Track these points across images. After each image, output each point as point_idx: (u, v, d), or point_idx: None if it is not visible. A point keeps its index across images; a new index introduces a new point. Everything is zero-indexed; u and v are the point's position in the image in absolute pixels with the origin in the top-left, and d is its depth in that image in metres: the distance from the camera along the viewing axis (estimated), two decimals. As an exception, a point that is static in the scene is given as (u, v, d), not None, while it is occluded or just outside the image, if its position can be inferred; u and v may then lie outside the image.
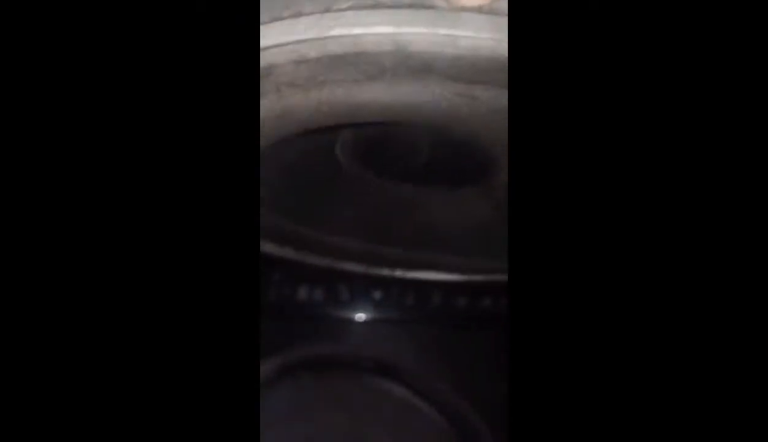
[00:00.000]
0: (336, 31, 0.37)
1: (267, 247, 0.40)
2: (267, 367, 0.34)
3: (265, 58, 0.41)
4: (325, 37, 0.38)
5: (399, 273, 0.41)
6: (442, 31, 0.36)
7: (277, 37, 0.40)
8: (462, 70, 0.39)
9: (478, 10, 0.34)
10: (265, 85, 0.40)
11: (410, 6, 0.35)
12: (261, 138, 0.27)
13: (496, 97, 0.39)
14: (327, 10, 0.37)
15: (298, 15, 0.36)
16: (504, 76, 0.36)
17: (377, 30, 0.37)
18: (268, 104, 0.39)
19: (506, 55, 0.33)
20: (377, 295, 0.41)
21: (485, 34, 0.35)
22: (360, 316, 0.41)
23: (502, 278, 0.39)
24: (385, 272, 0.41)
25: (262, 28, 0.40)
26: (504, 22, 0.36)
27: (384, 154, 0.46)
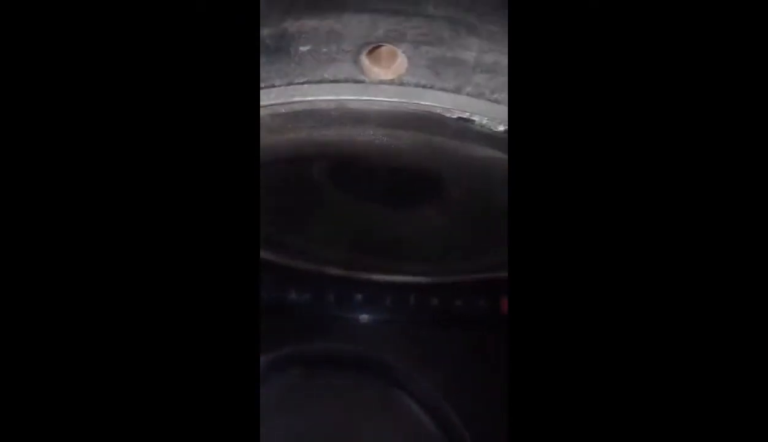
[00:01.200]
0: (297, 98, 0.52)
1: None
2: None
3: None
4: (290, 101, 0.52)
5: (377, 277, 0.51)
6: (370, 96, 0.50)
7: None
8: (386, 120, 0.50)
9: (391, 82, 0.48)
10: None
11: (345, 81, 0.50)
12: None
13: (413, 137, 0.51)
14: (290, 84, 0.51)
15: (270, 86, 0.51)
16: (416, 122, 0.51)
17: (325, 96, 0.51)
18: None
19: (414, 110, 0.48)
20: (359, 297, 0.48)
21: (398, 98, 0.49)
22: (344, 316, 0.46)
23: (474, 277, 0.49)
24: (364, 275, 0.50)
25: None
26: (408, 90, 0.50)
27: (349, 177, 0.56)
